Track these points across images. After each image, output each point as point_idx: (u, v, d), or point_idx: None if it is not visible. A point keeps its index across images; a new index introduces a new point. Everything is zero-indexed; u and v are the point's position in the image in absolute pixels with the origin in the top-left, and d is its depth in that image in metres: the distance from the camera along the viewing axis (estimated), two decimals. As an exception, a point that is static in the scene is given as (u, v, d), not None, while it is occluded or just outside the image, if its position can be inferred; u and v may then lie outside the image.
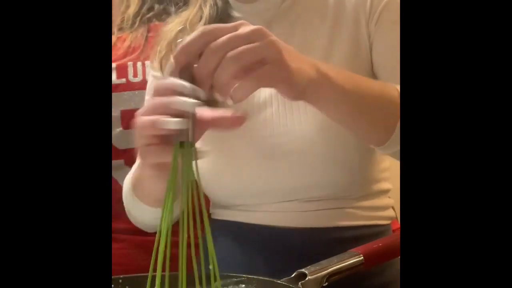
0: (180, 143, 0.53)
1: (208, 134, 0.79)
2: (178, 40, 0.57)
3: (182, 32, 0.84)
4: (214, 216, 0.89)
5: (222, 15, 0.85)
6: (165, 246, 0.49)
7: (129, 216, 0.86)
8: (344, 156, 0.77)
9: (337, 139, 0.77)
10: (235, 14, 0.86)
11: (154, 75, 0.88)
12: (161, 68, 0.84)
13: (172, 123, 0.53)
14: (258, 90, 0.79)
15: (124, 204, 0.86)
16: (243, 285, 0.60)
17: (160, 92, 0.54)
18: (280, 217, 0.80)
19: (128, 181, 0.84)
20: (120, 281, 0.60)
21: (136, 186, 0.79)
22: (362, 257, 0.65)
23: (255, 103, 0.81)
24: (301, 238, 0.78)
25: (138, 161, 0.81)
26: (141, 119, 0.55)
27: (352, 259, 0.65)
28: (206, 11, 0.85)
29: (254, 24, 0.82)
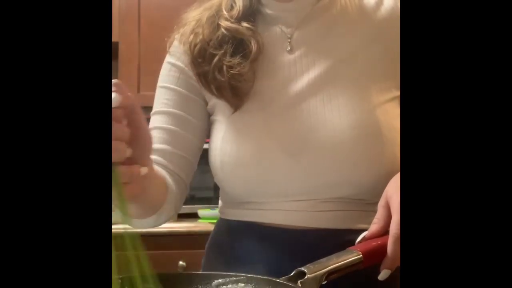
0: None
1: (233, 125, 0.81)
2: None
3: (213, 17, 0.85)
4: (224, 216, 0.88)
5: (252, 8, 0.87)
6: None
7: None
8: (373, 157, 0.77)
9: (369, 139, 0.77)
10: (267, 11, 0.87)
11: (171, 61, 0.88)
12: (190, 49, 0.85)
13: None
14: (291, 84, 0.81)
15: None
16: (242, 284, 0.60)
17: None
18: (294, 217, 0.79)
19: None
20: (120, 281, 0.60)
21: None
22: (361, 255, 0.65)
23: (288, 98, 0.81)
24: (314, 238, 0.78)
25: None
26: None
27: (351, 257, 0.65)
28: (240, 0, 0.86)
29: (288, 21, 0.89)
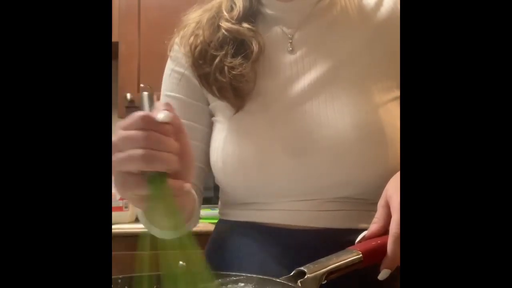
0: (153, 175, 0.55)
1: (235, 126, 0.81)
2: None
3: (213, 19, 0.86)
4: (225, 217, 0.88)
5: (253, 9, 0.87)
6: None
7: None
8: (377, 157, 0.77)
9: (372, 139, 0.77)
10: (268, 11, 0.87)
11: (170, 67, 0.89)
12: (191, 51, 0.85)
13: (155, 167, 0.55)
14: (293, 85, 0.83)
15: (140, 220, 0.87)
16: (242, 284, 0.60)
17: (134, 125, 0.55)
18: (296, 217, 0.79)
19: None
20: (119, 281, 0.60)
21: (145, 214, 0.80)
22: (361, 255, 0.65)
23: (290, 99, 0.81)
24: (315, 238, 0.78)
25: None
26: (119, 155, 0.56)
27: (351, 256, 0.65)
28: (240, 1, 0.86)
29: (289, 21, 0.88)
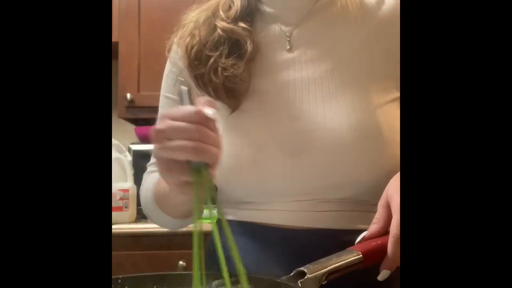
0: (198, 165, 0.60)
1: (232, 125, 0.81)
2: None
3: (210, 18, 0.86)
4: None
5: (251, 7, 0.87)
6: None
7: (148, 218, 0.91)
8: (374, 158, 0.77)
9: (369, 140, 0.76)
10: (266, 9, 0.87)
11: (168, 68, 0.90)
12: (187, 52, 0.85)
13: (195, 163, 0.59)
14: (290, 83, 0.83)
15: (144, 209, 0.91)
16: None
17: (186, 118, 0.59)
18: (293, 217, 0.79)
19: (149, 192, 0.87)
20: (120, 281, 0.60)
21: (158, 199, 0.84)
22: (361, 255, 0.65)
23: (287, 99, 0.81)
24: (314, 239, 0.78)
25: (158, 175, 0.84)
26: (169, 144, 0.59)
27: (351, 257, 0.65)
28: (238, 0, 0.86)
29: (287, 19, 0.88)
